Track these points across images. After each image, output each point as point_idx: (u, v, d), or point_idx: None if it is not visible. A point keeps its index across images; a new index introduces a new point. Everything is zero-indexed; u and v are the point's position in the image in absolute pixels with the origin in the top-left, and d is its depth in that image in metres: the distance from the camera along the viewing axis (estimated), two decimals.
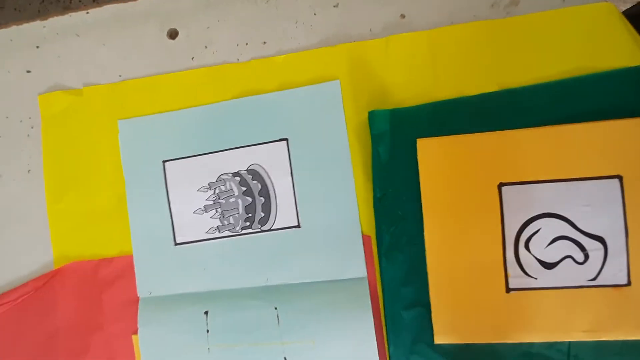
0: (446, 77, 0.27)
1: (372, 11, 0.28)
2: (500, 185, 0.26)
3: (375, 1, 0.28)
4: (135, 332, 0.30)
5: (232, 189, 0.30)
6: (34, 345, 0.31)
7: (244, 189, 0.30)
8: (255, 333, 0.28)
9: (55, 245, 0.31)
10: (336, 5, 0.29)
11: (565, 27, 0.26)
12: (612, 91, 0.26)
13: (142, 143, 0.31)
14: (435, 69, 0.28)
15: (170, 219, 0.30)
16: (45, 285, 0.31)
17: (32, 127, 0.32)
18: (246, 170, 0.30)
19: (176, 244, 0.30)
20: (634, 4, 0.31)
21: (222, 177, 0.30)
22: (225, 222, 0.30)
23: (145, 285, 0.30)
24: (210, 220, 0.30)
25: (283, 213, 0.29)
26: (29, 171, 0.32)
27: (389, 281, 0.27)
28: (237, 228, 0.30)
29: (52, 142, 0.32)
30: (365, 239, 0.28)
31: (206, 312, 0.29)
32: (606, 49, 0.26)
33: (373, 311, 0.27)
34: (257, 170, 0.30)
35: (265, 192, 0.29)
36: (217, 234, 0.30)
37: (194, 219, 0.30)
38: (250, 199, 0.30)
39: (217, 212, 0.30)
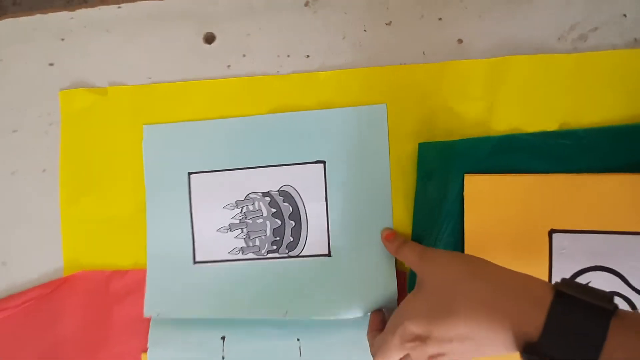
0: (503, 110, 0.25)
1: (427, 33, 0.26)
2: (552, 231, 0.24)
3: (431, 22, 0.26)
4: (145, 350, 0.28)
5: (260, 210, 0.28)
6: (36, 355, 0.29)
7: (274, 210, 0.28)
8: None
9: (66, 251, 0.29)
10: (389, 23, 0.27)
11: (634, 69, 0.25)
12: None
13: (167, 151, 0.29)
14: (491, 101, 0.26)
15: (191, 235, 0.28)
16: (52, 292, 0.29)
17: (50, 124, 0.30)
18: (277, 191, 0.28)
19: (195, 262, 0.28)
20: None
21: (251, 195, 0.28)
22: (250, 244, 0.28)
23: (157, 304, 0.28)
24: (234, 241, 0.28)
25: (313, 240, 0.27)
26: (44, 170, 0.30)
27: None
28: (263, 251, 0.28)
29: (71, 142, 0.29)
30: (400, 274, 0.26)
31: (223, 338, 0.27)
32: None
33: None
34: (290, 192, 0.28)
35: (296, 215, 0.27)
36: (241, 256, 0.28)
37: (216, 237, 0.28)
38: (279, 222, 0.28)
39: (242, 232, 0.28)
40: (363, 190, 0.27)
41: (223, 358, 0.27)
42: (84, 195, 0.29)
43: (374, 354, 0.22)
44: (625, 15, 0.25)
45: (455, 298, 0.19)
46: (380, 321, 0.25)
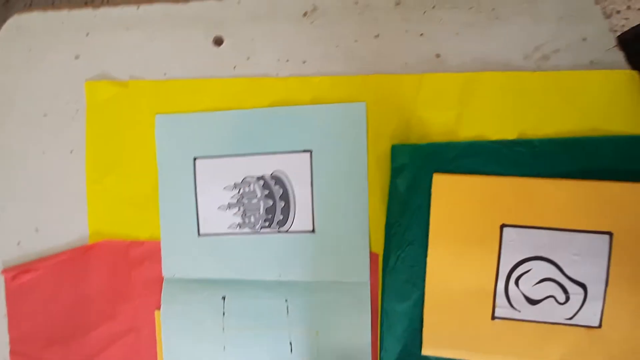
0: (470, 119, 0.29)
1: (410, 46, 0.29)
2: (503, 225, 0.29)
3: (414, 38, 0.29)
4: (158, 308, 0.33)
5: (255, 191, 0.32)
6: (66, 307, 0.35)
7: (267, 192, 0.32)
8: (266, 320, 0.31)
9: (91, 223, 0.33)
10: (377, 36, 0.30)
11: (588, 88, 0.27)
12: (621, 155, 0.27)
13: (176, 139, 0.32)
14: (461, 110, 0.29)
15: (196, 212, 0.32)
16: (80, 256, 0.34)
17: (77, 111, 0.34)
18: (270, 175, 0.32)
19: (200, 235, 0.33)
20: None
21: (247, 179, 0.32)
22: (246, 220, 0.32)
23: (170, 268, 0.33)
24: (233, 217, 0.32)
25: (300, 218, 0.31)
26: (71, 151, 0.34)
27: (390, 296, 0.30)
28: (257, 227, 0.32)
29: (96, 128, 0.33)
30: (373, 256, 0.31)
31: (223, 297, 0.32)
32: (624, 114, 0.27)
33: (372, 315, 0.30)
34: (280, 176, 0.32)
35: (285, 197, 0.31)
36: (238, 230, 0.32)
37: (217, 214, 0.32)
38: (271, 202, 0.32)
39: (239, 210, 0.32)
40: (343, 178, 0.30)
41: (224, 314, 0.32)
42: (107, 174, 0.33)
43: None
44: (584, 39, 0.27)
45: None
46: None
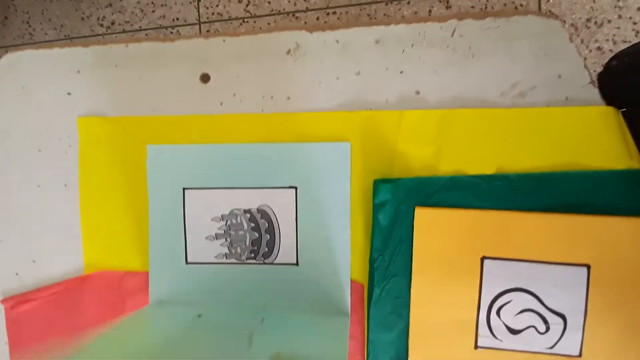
0: (450, 154, 0.29)
1: (390, 83, 0.30)
2: (483, 258, 0.29)
3: (394, 76, 0.30)
4: None
5: (242, 223, 0.33)
6: (64, 334, 0.36)
7: (253, 225, 0.32)
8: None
9: (86, 254, 0.35)
10: (358, 73, 0.31)
11: (564, 124, 0.28)
12: (597, 189, 0.27)
13: (166, 168, 0.33)
14: (440, 146, 0.29)
15: (184, 241, 0.33)
16: (76, 286, 0.35)
17: (70, 146, 0.35)
18: (256, 208, 0.33)
19: (187, 263, 0.34)
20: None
21: (235, 211, 0.33)
22: (233, 251, 0.33)
23: (156, 294, 0.33)
24: (219, 247, 0.33)
25: (285, 251, 0.32)
26: (65, 185, 0.35)
27: (375, 326, 0.30)
28: (243, 258, 0.33)
29: (88, 162, 0.34)
30: (358, 286, 0.32)
31: (199, 315, 0.31)
32: (599, 149, 0.28)
33: (358, 345, 0.31)
34: (266, 210, 0.32)
35: (271, 230, 0.32)
36: (224, 260, 0.33)
37: (205, 243, 0.33)
38: (257, 234, 0.32)
39: (226, 241, 0.33)
40: (327, 214, 0.31)
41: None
42: (100, 207, 0.34)
43: None
44: (560, 77, 0.28)
45: None
46: None
